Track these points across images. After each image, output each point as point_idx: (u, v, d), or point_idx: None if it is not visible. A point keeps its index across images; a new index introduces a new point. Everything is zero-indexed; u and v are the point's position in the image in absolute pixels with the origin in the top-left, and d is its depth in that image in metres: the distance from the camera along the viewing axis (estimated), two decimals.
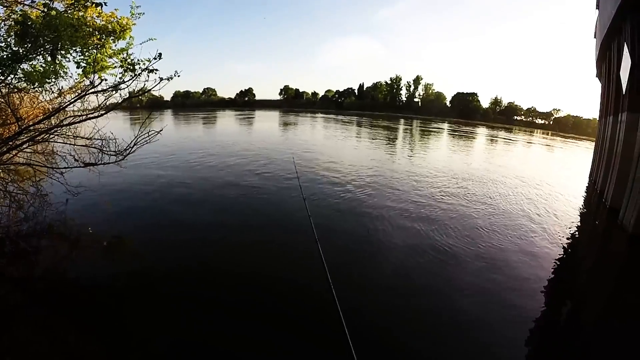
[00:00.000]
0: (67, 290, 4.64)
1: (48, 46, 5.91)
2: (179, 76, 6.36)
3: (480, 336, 4.03)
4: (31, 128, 5.82)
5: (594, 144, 19.91)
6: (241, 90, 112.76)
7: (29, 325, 3.89)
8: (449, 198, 9.75)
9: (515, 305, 4.69)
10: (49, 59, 6.05)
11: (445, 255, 6.00)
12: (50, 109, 6.36)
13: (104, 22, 6.23)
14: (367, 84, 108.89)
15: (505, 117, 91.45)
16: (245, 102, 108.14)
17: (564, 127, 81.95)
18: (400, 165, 15.40)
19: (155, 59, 6.19)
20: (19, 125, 5.58)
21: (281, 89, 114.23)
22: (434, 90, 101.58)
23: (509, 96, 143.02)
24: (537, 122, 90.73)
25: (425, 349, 3.78)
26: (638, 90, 8.55)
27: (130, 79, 6.32)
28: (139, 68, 6.28)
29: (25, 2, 5.75)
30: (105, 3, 6.00)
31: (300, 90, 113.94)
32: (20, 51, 5.71)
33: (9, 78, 5.85)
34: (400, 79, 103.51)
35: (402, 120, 61.54)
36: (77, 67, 6.41)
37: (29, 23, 5.60)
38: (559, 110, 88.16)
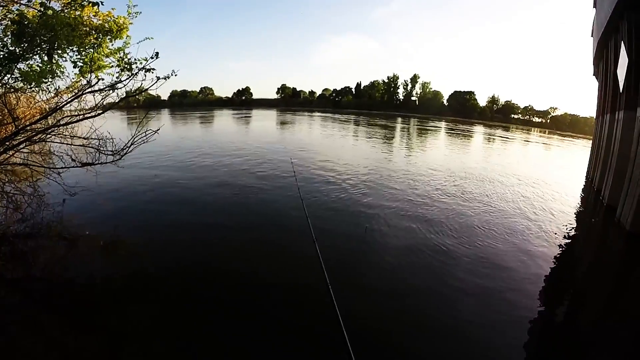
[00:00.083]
0: (64, 291, 4.62)
1: (45, 46, 5.89)
2: (176, 75, 6.35)
3: (479, 336, 4.04)
4: (28, 128, 5.80)
5: (591, 142, 20.01)
6: (238, 90, 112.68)
7: (26, 326, 3.87)
8: (445, 197, 9.77)
9: (514, 304, 4.69)
10: (46, 58, 6.04)
11: (443, 255, 6.01)
12: (47, 109, 6.35)
13: (100, 22, 6.22)
14: (365, 82, 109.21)
15: (502, 116, 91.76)
16: (243, 101, 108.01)
17: (561, 125, 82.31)
18: (397, 164, 15.42)
19: (152, 58, 6.18)
20: (15, 126, 5.56)
21: (278, 88, 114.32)
22: (431, 88, 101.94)
23: (506, 95, 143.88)
24: (534, 120, 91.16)
25: (423, 349, 3.78)
26: (635, 88, 8.59)
27: (127, 79, 6.31)
28: (136, 67, 6.28)
29: (21, 2, 5.73)
30: (102, 2, 5.99)
31: (298, 89, 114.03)
32: (17, 51, 5.69)
33: (6, 78, 5.83)
34: (398, 78, 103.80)
35: (399, 119, 61.61)
36: (74, 67, 6.41)
37: (26, 22, 5.59)
38: (556, 108, 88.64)
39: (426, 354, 3.73)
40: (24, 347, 3.56)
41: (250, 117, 51.43)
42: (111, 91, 6.33)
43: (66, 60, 6.32)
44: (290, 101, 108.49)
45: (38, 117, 6.20)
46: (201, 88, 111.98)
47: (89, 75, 6.19)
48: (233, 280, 4.99)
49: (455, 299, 4.74)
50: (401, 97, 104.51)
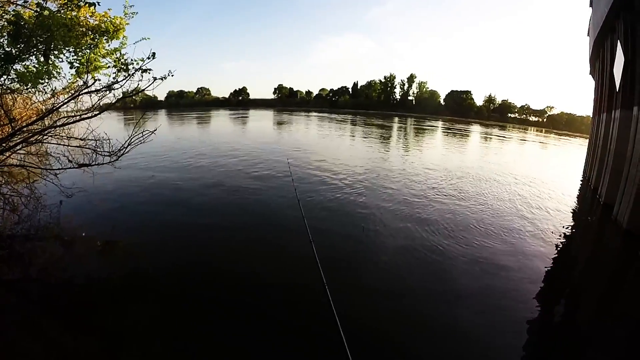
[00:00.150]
0: (62, 292, 4.61)
1: (41, 46, 5.87)
2: (172, 76, 6.34)
3: (475, 335, 4.05)
4: (24, 129, 5.78)
5: (587, 141, 20.09)
6: (235, 90, 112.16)
7: (24, 327, 3.86)
8: (442, 196, 9.80)
9: (510, 303, 4.72)
10: (42, 59, 6.01)
11: (439, 254, 6.03)
12: (44, 110, 6.33)
13: (97, 22, 6.20)
14: (362, 82, 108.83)
15: (499, 115, 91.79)
16: (240, 102, 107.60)
17: (558, 124, 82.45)
18: (393, 163, 15.43)
19: (148, 58, 6.16)
20: (12, 127, 5.53)
21: (275, 88, 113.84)
22: (427, 88, 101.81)
23: (502, 94, 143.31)
24: (530, 119, 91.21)
25: (420, 349, 3.80)
26: (631, 87, 8.64)
27: (123, 79, 6.29)
28: (133, 68, 6.25)
29: (18, 2, 5.70)
30: (98, 3, 5.97)
31: (295, 89, 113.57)
32: (13, 52, 5.66)
33: (2, 79, 5.81)
34: (394, 78, 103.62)
35: (396, 119, 61.69)
36: (71, 68, 6.39)
37: (22, 23, 5.56)
38: (553, 107, 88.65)
39: (423, 353, 3.75)
40: (22, 348, 3.55)
41: (247, 117, 51.35)
42: (108, 92, 6.31)
43: (62, 61, 6.30)
44: (287, 101, 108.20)
45: (35, 118, 6.17)
46: (198, 88, 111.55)
47: (86, 76, 6.17)
48: (230, 281, 5.00)
49: (451, 298, 4.75)
50: (398, 96, 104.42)
